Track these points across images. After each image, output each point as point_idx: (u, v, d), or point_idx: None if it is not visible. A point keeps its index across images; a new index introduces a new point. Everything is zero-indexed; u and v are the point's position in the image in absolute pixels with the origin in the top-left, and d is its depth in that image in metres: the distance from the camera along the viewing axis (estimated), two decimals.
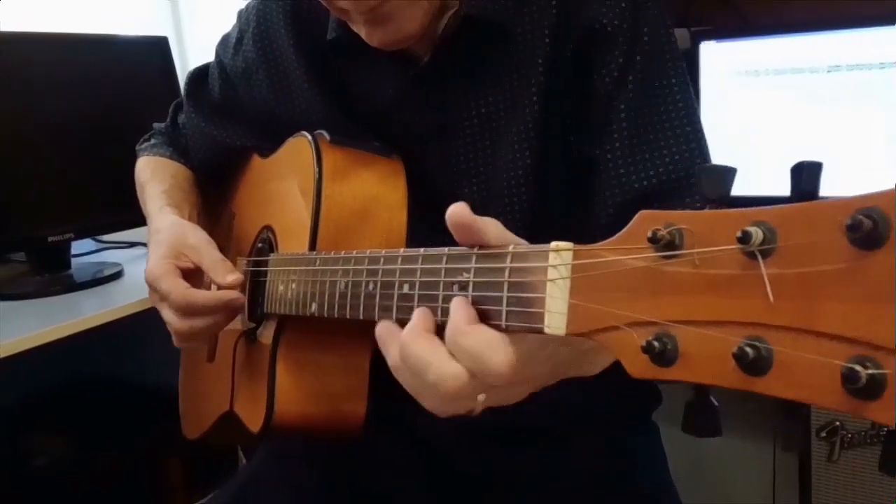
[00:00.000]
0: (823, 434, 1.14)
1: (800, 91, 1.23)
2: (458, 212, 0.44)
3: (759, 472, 1.48)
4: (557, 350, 0.46)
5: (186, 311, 0.72)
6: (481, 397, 0.45)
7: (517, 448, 0.78)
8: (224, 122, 0.92)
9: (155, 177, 0.93)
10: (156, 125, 1.02)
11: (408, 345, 0.46)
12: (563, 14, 0.69)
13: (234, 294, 0.72)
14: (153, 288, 0.76)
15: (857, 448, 1.11)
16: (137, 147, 1.01)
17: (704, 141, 0.69)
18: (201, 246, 0.76)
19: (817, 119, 1.21)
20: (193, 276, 0.76)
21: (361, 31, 0.67)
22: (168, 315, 0.74)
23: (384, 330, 0.50)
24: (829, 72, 1.22)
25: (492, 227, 0.45)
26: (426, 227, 0.68)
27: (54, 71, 1.22)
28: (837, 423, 1.13)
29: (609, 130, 0.68)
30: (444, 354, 0.44)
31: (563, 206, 0.75)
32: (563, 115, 0.72)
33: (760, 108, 1.23)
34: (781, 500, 1.46)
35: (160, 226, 0.82)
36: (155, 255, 0.77)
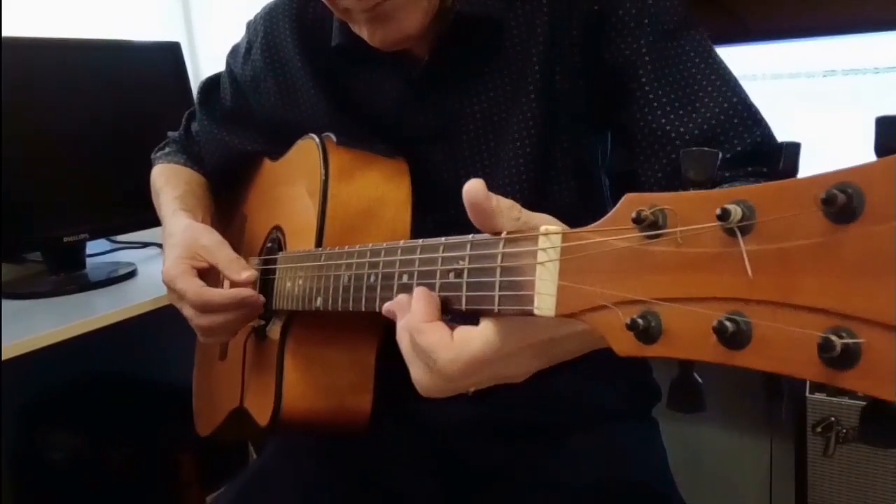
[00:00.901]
0: (819, 429, 1.13)
1: (796, 95, 1.25)
2: (472, 189, 0.43)
3: (756, 466, 1.48)
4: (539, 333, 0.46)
5: (203, 308, 0.74)
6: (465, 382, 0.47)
7: (520, 443, 0.79)
8: (235, 127, 0.94)
9: (169, 183, 0.95)
10: (170, 134, 1.04)
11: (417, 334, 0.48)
12: (555, 3, 0.70)
13: (248, 291, 0.73)
14: (170, 288, 0.78)
15: (852, 443, 1.11)
16: (153, 156, 1.03)
17: (739, 88, 0.68)
18: (214, 246, 0.78)
19: (813, 123, 1.21)
20: (209, 275, 0.78)
21: (363, 31, 0.69)
22: (188, 312, 0.77)
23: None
24: (824, 76, 1.23)
25: (505, 210, 0.44)
26: (431, 225, 0.69)
27: (69, 75, 1.24)
28: (833, 418, 1.12)
29: (640, 96, 0.69)
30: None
31: (566, 196, 0.75)
32: (566, 106, 0.73)
33: None
34: (778, 494, 1.46)
35: (174, 229, 0.84)
36: (171, 257, 0.79)
